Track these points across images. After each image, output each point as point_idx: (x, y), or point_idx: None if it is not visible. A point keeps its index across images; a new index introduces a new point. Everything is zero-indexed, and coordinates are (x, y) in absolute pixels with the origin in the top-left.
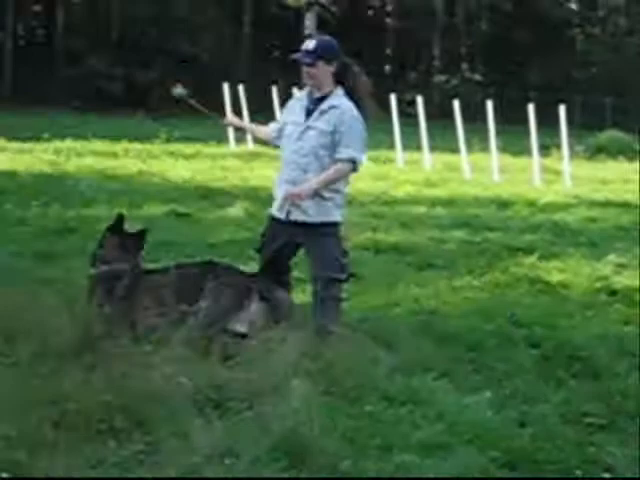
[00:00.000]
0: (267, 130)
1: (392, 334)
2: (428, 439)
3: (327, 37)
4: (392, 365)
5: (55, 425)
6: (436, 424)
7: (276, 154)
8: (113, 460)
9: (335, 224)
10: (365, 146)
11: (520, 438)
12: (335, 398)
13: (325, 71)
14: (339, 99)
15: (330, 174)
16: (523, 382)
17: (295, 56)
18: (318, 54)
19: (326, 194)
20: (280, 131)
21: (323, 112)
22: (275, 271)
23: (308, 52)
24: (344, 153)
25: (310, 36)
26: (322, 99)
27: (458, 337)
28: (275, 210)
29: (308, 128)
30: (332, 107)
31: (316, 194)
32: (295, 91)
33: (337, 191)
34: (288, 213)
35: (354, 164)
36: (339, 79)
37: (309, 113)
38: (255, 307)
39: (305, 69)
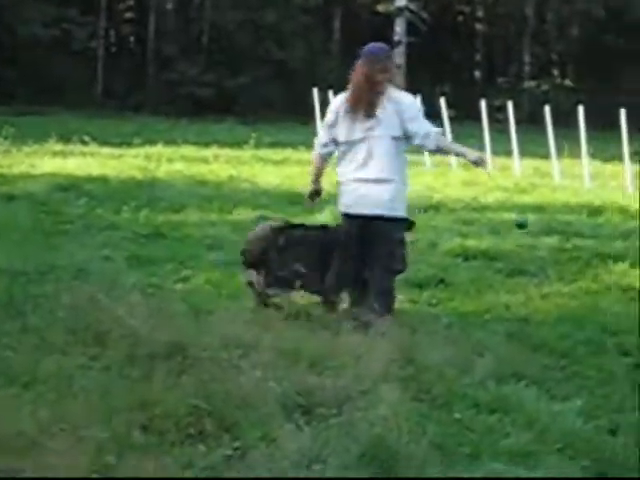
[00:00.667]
0: None
1: (482, 341)
2: (518, 447)
3: None
4: (482, 372)
5: (144, 429)
6: (526, 432)
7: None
8: (202, 464)
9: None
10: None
11: (611, 447)
12: (424, 404)
13: None
14: None
15: None
16: (614, 390)
17: None
18: None
19: None
20: None
21: None
22: None
23: None
24: None
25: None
26: None
27: (549, 345)
28: None
29: None
30: None
31: None
32: None
33: None
34: None
35: None
36: None
37: None
38: None
39: None
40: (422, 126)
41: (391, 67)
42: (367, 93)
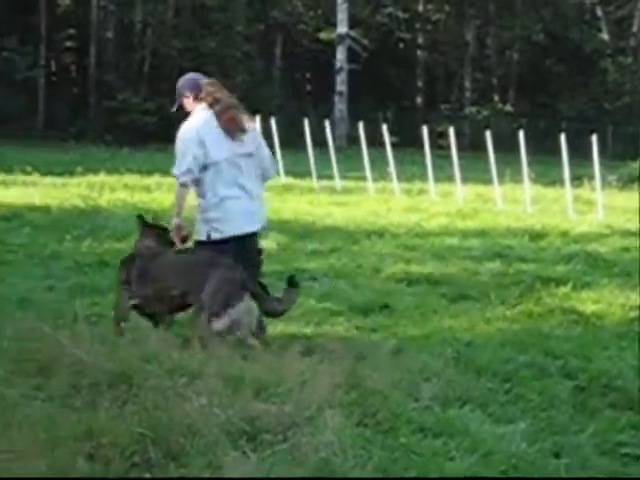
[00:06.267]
0: None
1: (427, 365)
2: (463, 470)
3: None
4: (428, 396)
5: (89, 458)
6: (471, 455)
7: (306, 186)
8: None
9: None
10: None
11: (555, 469)
12: (369, 429)
13: None
14: None
15: None
16: (558, 413)
17: None
18: None
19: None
20: None
21: None
22: None
23: None
24: None
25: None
26: None
27: (493, 368)
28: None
29: None
30: None
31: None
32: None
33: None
34: None
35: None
36: None
37: None
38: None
39: None
40: None
41: None
42: (239, 112)
